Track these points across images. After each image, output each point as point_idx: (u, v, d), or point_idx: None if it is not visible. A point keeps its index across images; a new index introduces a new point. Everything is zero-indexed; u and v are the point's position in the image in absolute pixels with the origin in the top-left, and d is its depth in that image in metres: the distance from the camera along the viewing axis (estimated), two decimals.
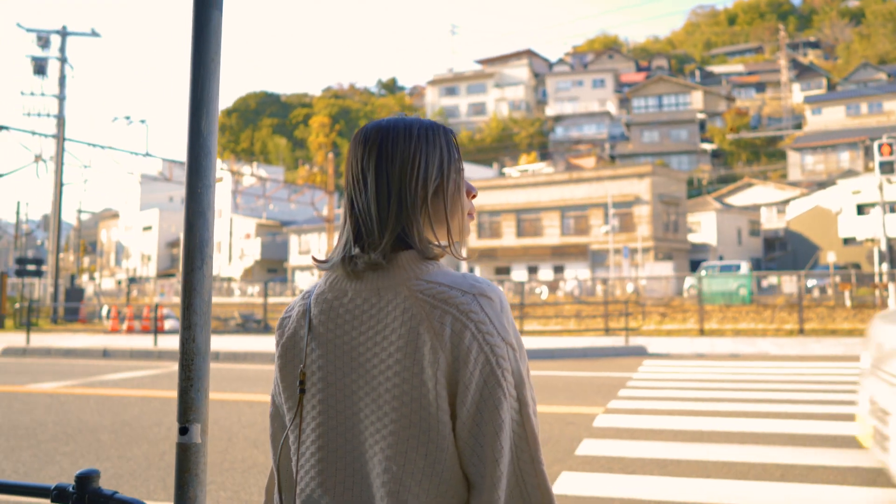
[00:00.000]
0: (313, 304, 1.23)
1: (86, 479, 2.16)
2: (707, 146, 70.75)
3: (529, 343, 15.98)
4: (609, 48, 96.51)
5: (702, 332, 18.51)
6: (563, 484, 5.03)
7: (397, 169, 1.16)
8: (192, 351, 1.93)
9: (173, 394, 9.48)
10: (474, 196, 1.27)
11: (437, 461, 1.08)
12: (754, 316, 22.30)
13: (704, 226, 49.36)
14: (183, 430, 1.93)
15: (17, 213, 44.23)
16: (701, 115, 70.82)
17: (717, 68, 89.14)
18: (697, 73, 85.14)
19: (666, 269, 40.39)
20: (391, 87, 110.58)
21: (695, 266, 46.02)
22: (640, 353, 14.64)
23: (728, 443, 6.18)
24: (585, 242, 45.34)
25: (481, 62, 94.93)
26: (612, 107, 76.27)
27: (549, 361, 13.52)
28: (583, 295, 35.12)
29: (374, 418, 1.12)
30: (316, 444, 1.18)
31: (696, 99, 71.63)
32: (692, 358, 13.55)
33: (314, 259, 1.27)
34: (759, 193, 58.32)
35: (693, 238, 48.56)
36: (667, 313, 23.75)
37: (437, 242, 1.20)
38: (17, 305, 26.47)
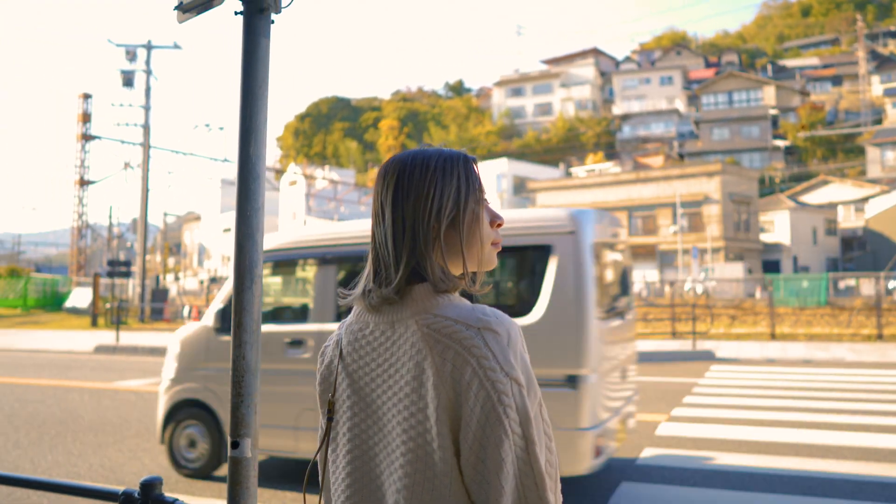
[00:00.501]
0: (344, 335, 1.25)
1: (149, 487, 2.29)
2: (780, 143, 68.47)
3: None
4: (677, 44, 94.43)
5: (773, 337, 17.93)
6: (623, 495, 4.97)
7: (412, 203, 1.16)
8: (243, 368, 2.00)
9: None
10: (499, 225, 1.24)
11: (443, 497, 1.08)
12: (829, 320, 21.45)
13: (777, 225, 47.80)
14: (234, 445, 2.01)
15: (110, 216, 46.28)
16: (773, 111, 68.63)
17: (790, 62, 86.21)
18: (769, 67, 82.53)
19: (737, 269, 39.27)
20: (458, 89, 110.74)
21: (767, 267, 44.60)
22: (708, 357, 14.30)
23: (796, 455, 5.99)
24: (653, 243, 44.50)
25: (547, 62, 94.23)
26: (680, 104, 74.65)
27: None
28: (650, 296, 34.49)
29: (389, 451, 1.14)
30: (346, 470, 1.21)
31: (769, 94, 69.45)
32: (762, 363, 13.16)
33: (340, 291, 1.28)
34: (835, 191, 56.11)
35: (766, 238, 47.08)
36: (737, 316, 23.09)
37: (455, 274, 1.19)
38: (108, 305, 27.74)
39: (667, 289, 33.56)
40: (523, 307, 4.70)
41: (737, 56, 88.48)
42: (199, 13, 2.25)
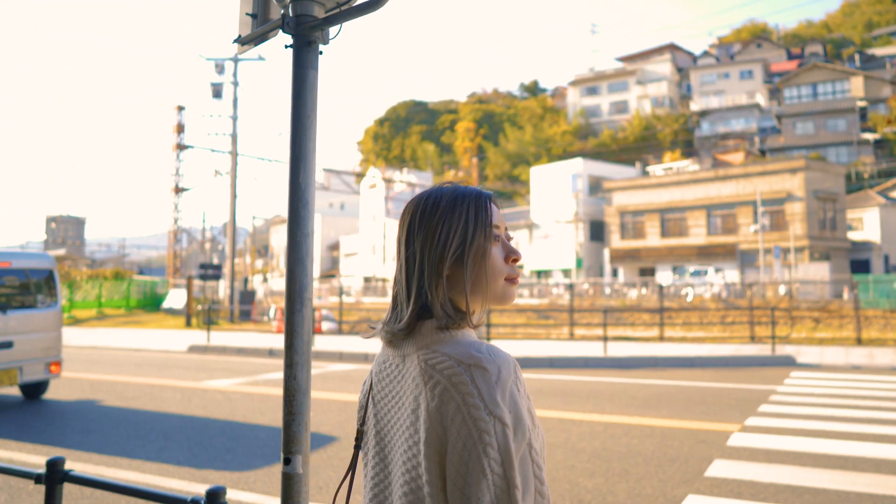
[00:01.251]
0: (375, 365, 1.31)
1: (214, 495, 2.43)
2: (868, 136, 65.34)
3: (668, 351, 15.49)
4: (757, 37, 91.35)
5: (859, 342, 17.18)
6: None
7: (420, 241, 1.21)
8: (294, 388, 2.08)
9: (323, 395, 10.01)
10: (515, 260, 1.24)
11: None
12: None
13: (867, 223, 45.68)
14: (286, 461, 2.09)
15: (203, 222, 48.29)
16: (861, 103, 65.55)
17: (879, 51, 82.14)
18: (857, 57, 78.86)
19: (822, 270, 37.74)
20: (533, 89, 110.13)
21: (856, 267, 42.71)
22: (788, 363, 13.81)
23: (877, 472, 5.73)
24: (733, 242, 43.23)
25: (622, 59, 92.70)
26: (761, 98, 72.22)
27: (687, 371, 13.04)
28: (730, 297, 33.52)
29: (398, 484, 1.18)
30: (371, 493, 1.26)
31: (856, 85, 66.38)
32: (846, 370, 12.63)
33: (368, 324, 1.35)
34: None
35: (853, 236, 45.08)
36: (820, 319, 22.20)
37: (462, 310, 1.21)
38: (200, 307, 29.09)
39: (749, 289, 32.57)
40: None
41: (821, 46, 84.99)
42: (256, 45, 2.35)
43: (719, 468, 5.86)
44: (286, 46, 2.11)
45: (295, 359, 2.07)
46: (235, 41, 2.35)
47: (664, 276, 45.29)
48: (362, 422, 1.30)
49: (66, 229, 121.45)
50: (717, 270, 42.86)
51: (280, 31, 2.11)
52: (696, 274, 42.36)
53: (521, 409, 1.10)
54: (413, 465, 1.13)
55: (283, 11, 2.11)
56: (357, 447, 1.30)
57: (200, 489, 5.37)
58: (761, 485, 5.38)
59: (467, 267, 1.19)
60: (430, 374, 1.12)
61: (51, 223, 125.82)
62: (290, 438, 2.06)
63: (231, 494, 5.28)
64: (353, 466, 1.31)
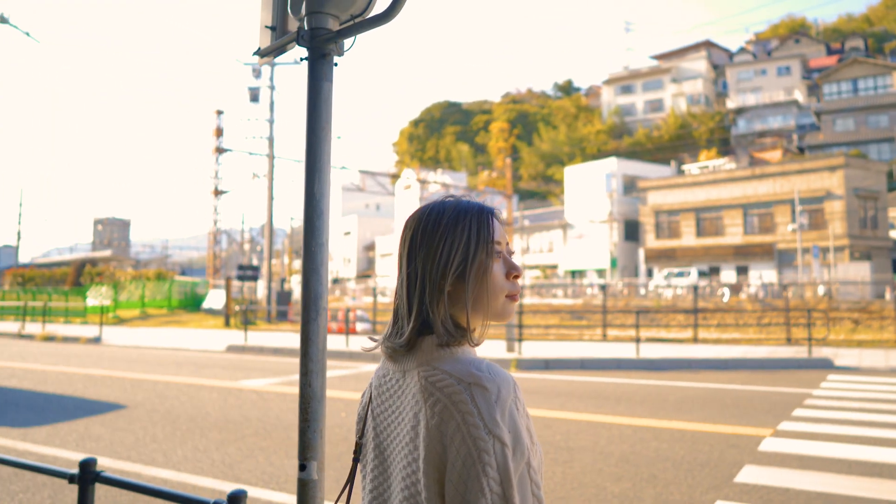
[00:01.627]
0: (375, 379, 1.32)
1: (235, 499, 2.48)
2: None
3: (702, 352, 15.30)
4: (795, 32, 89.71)
5: None
6: None
7: (422, 257, 1.20)
8: (309, 395, 2.12)
9: (355, 396, 10.10)
10: (516, 276, 1.24)
11: None
12: None
13: None
14: (302, 467, 2.13)
15: (242, 222, 49.14)
16: None
17: None
18: None
19: (863, 269, 36.95)
20: (567, 88, 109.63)
21: None
22: (825, 366, 13.55)
23: None
24: (771, 242, 42.56)
25: (657, 57, 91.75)
26: (799, 95, 70.89)
27: (720, 373, 12.86)
28: (768, 297, 32.99)
29: (399, 497, 1.18)
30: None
31: None
32: (886, 374, 12.35)
33: (369, 338, 1.34)
34: None
35: None
36: (860, 320, 21.73)
37: (463, 327, 1.21)
38: (238, 307, 29.59)
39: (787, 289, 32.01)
40: None
41: (862, 40, 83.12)
42: (275, 57, 2.40)
43: (750, 474, 5.77)
44: (301, 59, 2.14)
45: (310, 366, 2.10)
46: (255, 53, 2.40)
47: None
48: (361, 434, 1.31)
49: (112, 231, 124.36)
50: (700, 273, 42.83)
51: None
52: (679, 275, 42.45)
53: (520, 429, 1.10)
54: (412, 482, 1.13)
55: (299, 24, 2.15)
56: (356, 459, 1.31)
57: (234, 489, 5.44)
58: (793, 492, 5.28)
59: (469, 284, 1.19)
60: (429, 392, 1.12)
61: (97, 225, 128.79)
62: (306, 445, 2.09)
63: (261, 494, 5.36)
64: (351, 478, 1.32)
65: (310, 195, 2.10)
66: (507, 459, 1.06)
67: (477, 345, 1.24)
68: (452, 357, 1.17)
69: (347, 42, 2.14)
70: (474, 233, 1.20)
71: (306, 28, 2.09)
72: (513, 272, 1.24)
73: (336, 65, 2.17)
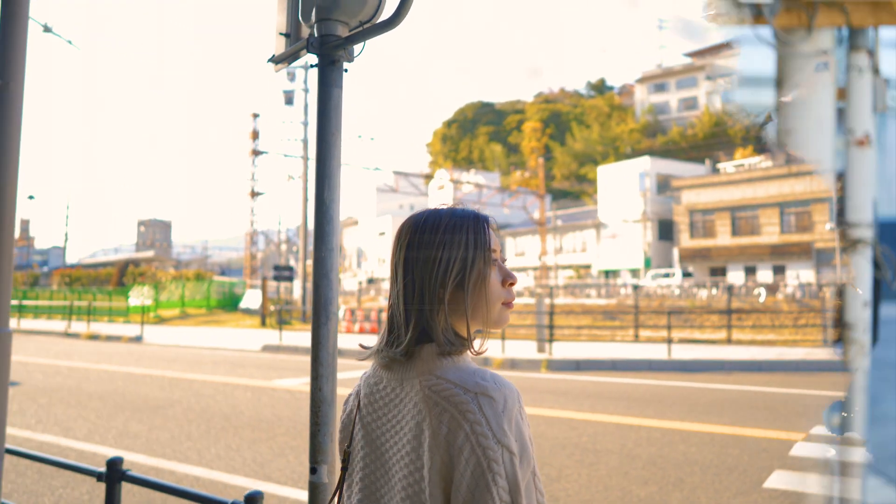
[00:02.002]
0: (363, 387, 1.30)
1: (251, 500, 2.52)
2: None
3: (735, 354, 15.08)
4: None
5: None
6: None
7: (420, 266, 1.19)
8: (319, 399, 2.14)
9: None
10: (512, 284, 1.24)
11: None
12: None
13: None
14: (313, 470, 2.15)
15: (279, 223, 49.80)
16: None
17: None
18: None
19: None
20: (600, 87, 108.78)
21: None
22: None
23: None
24: (808, 240, 41.77)
25: (691, 55, 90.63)
26: None
27: (753, 375, 12.66)
28: (805, 298, 32.38)
29: None
30: None
31: None
32: None
33: (360, 346, 1.33)
34: None
35: None
36: None
37: (462, 335, 1.20)
38: (273, 307, 29.98)
39: (826, 290, 31.43)
40: None
41: None
42: (289, 63, 2.42)
43: (779, 479, 5.67)
44: (312, 66, 2.17)
45: (320, 371, 2.12)
46: (269, 60, 2.43)
47: (736, 276, 44.20)
48: (349, 443, 1.30)
49: (154, 232, 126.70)
50: (685, 275, 42.42)
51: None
52: (665, 276, 42.12)
53: (525, 437, 1.10)
54: (415, 492, 1.12)
55: (309, 31, 2.17)
56: (344, 469, 1.29)
57: (264, 487, 5.52)
58: (821, 498, 5.19)
59: (467, 292, 1.19)
60: (435, 402, 1.11)
61: (140, 226, 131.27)
62: (317, 448, 2.11)
63: (290, 493, 5.43)
64: (339, 487, 1.32)
65: (320, 201, 2.11)
66: (516, 468, 1.07)
67: (479, 354, 1.23)
68: (454, 366, 1.16)
69: (357, 48, 2.15)
70: (472, 241, 1.20)
71: (316, 35, 2.11)
72: (508, 280, 1.23)
73: (346, 70, 2.19)
